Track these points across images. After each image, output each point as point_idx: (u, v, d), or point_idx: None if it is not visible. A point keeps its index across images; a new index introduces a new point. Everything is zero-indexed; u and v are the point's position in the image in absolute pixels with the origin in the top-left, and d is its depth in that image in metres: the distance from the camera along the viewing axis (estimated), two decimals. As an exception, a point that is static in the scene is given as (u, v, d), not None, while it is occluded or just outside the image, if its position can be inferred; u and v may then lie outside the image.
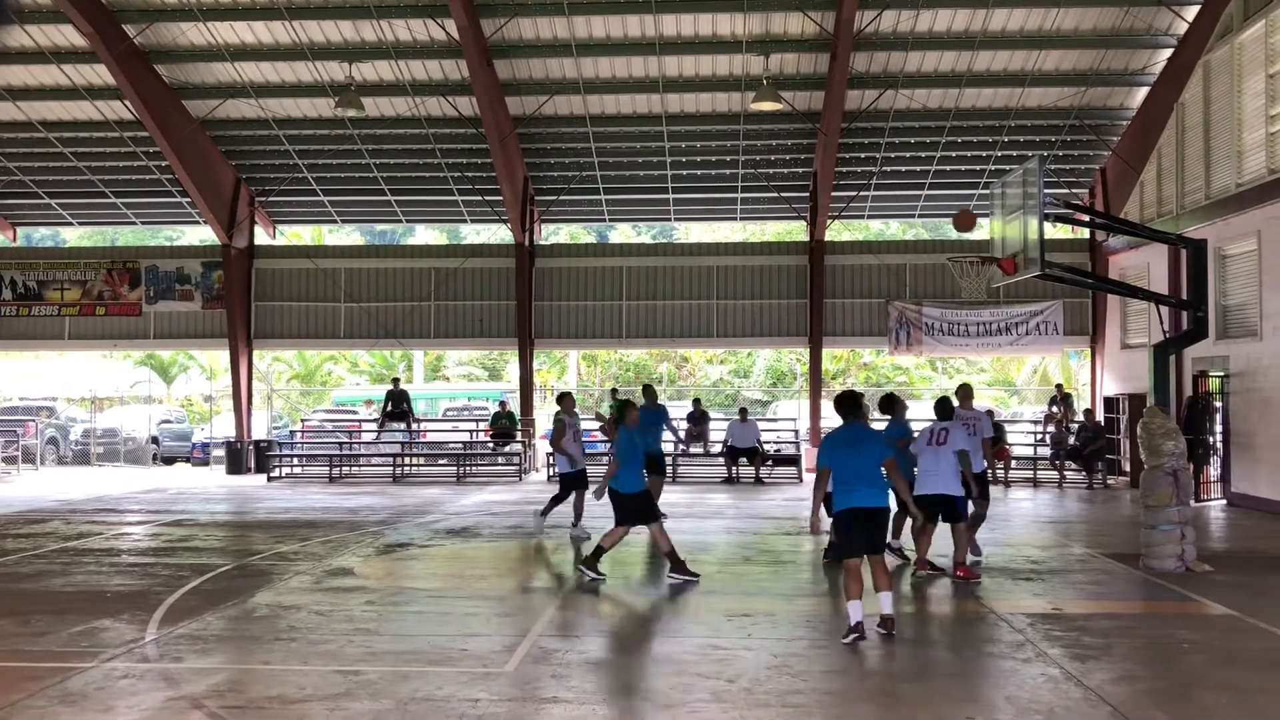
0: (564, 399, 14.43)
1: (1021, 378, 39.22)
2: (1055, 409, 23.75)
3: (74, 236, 35.06)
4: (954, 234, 24.45)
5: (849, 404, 8.73)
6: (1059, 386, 25.39)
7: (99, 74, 22.26)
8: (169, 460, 29.23)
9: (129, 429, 29.78)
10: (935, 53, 21.86)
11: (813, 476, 22.28)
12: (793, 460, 23.45)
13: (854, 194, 25.35)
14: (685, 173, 25.58)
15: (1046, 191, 12.62)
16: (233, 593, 9.91)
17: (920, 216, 28.29)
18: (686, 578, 10.44)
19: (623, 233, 42.08)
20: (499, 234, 28.91)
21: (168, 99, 22.95)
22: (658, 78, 22.62)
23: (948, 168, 24.89)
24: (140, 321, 26.67)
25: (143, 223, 29.61)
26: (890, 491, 8.43)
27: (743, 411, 23.51)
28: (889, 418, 11.95)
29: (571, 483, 13.90)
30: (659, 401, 16.64)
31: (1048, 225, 12.43)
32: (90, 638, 8.08)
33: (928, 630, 8.69)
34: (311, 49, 21.83)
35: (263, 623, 8.75)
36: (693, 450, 23.80)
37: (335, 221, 29.32)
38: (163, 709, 6.31)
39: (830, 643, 7.98)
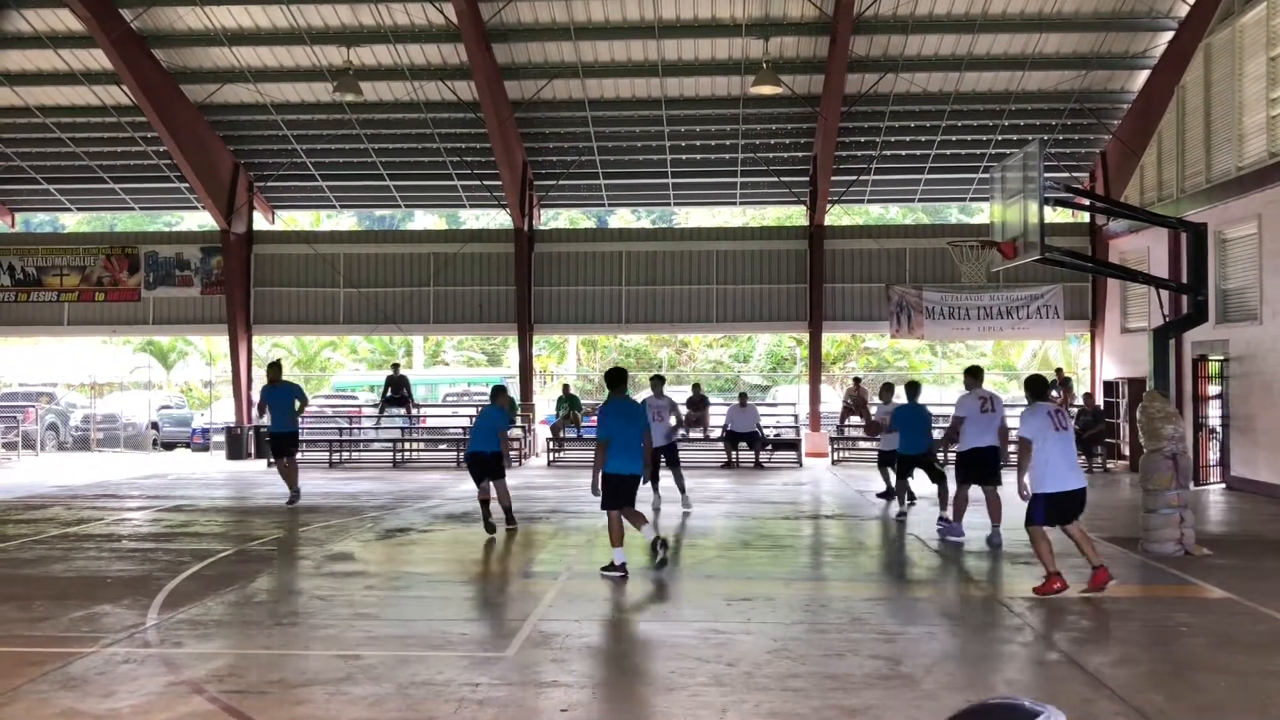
0: (658, 381, 16.25)
1: (1021, 361, 39.21)
2: (1055, 393, 23.77)
3: (72, 222, 35.01)
4: (954, 218, 24.42)
5: (620, 379, 10.36)
6: (1058, 370, 25.38)
7: (96, 59, 22.18)
8: (169, 446, 29.25)
9: (129, 415, 29.79)
10: (935, 36, 21.78)
11: (813, 460, 22.25)
12: (793, 445, 23.46)
13: (854, 178, 25.29)
14: (685, 157, 25.52)
15: (1046, 175, 12.60)
16: (233, 578, 9.92)
17: (920, 201, 28.24)
18: None
19: (622, 217, 42.00)
20: (498, 219, 28.88)
21: (165, 84, 22.87)
22: (656, 61, 22.54)
23: (948, 152, 24.84)
24: (139, 307, 26.65)
25: (141, 208, 29.55)
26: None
27: (742, 396, 23.52)
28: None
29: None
30: (284, 378, 16.62)
31: (1048, 209, 12.42)
32: (91, 623, 8.09)
33: (928, 614, 8.70)
34: (309, 33, 21.74)
35: (263, 607, 8.77)
36: (692, 435, 23.82)
37: (334, 207, 29.27)
38: (163, 694, 6.32)
39: (830, 627, 8.00)
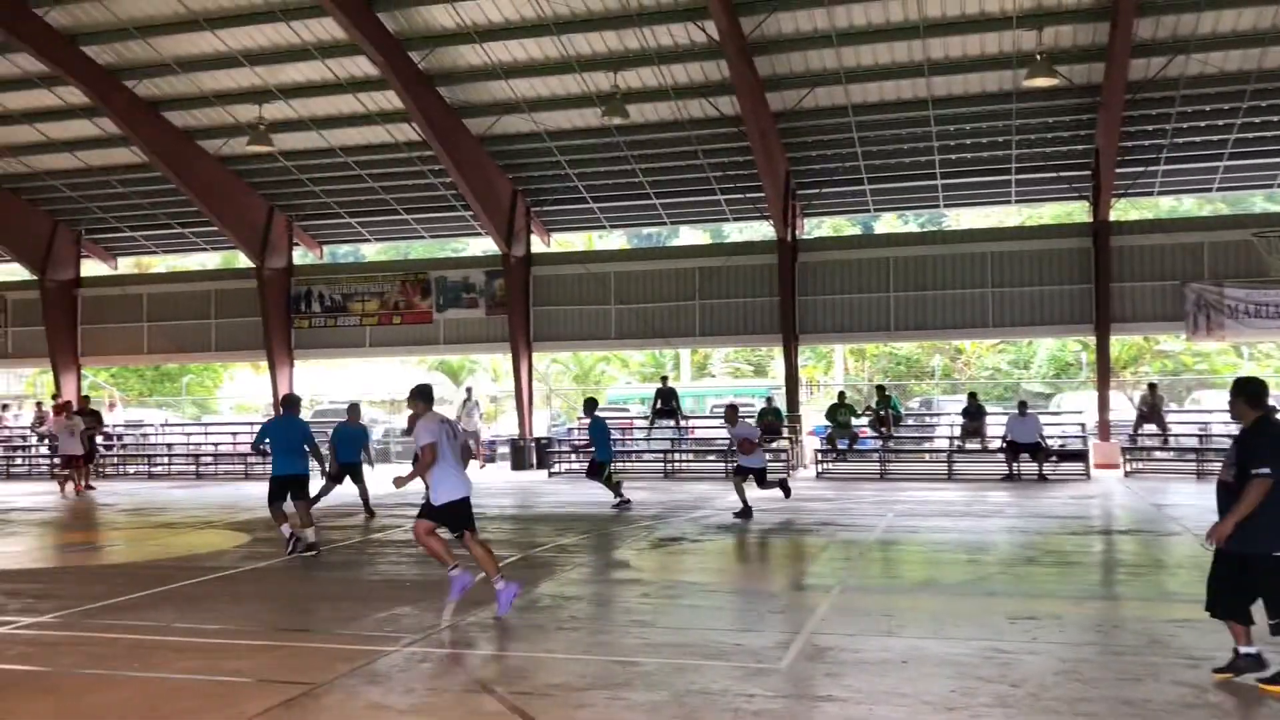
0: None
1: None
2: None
3: (372, 252, 37.93)
4: (1259, 206, 22.34)
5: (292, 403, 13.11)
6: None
7: (389, 100, 24.00)
8: (458, 457, 31.04)
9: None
10: (1231, 11, 20.02)
11: (1102, 472, 20.99)
12: (1079, 456, 22.14)
13: (1141, 170, 23.65)
14: (954, 157, 24.70)
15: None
16: (518, 582, 10.38)
17: (1219, 190, 26.07)
18: None
19: (888, 222, 41.11)
20: (761, 230, 28.98)
21: (450, 119, 24.42)
22: (922, 62, 21.94)
23: (1250, 135, 22.78)
24: (431, 329, 28.58)
25: (431, 236, 31.68)
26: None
27: (1022, 405, 22.41)
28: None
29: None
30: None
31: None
32: (393, 623, 8.69)
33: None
34: (579, 61, 22.62)
35: (546, 612, 9.14)
36: (969, 446, 22.97)
37: (604, 227, 30.29)
38: (458, 693, 6.71)
39: (1126, 649, 7.47)
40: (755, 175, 24.58)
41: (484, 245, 32.89)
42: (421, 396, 9.18)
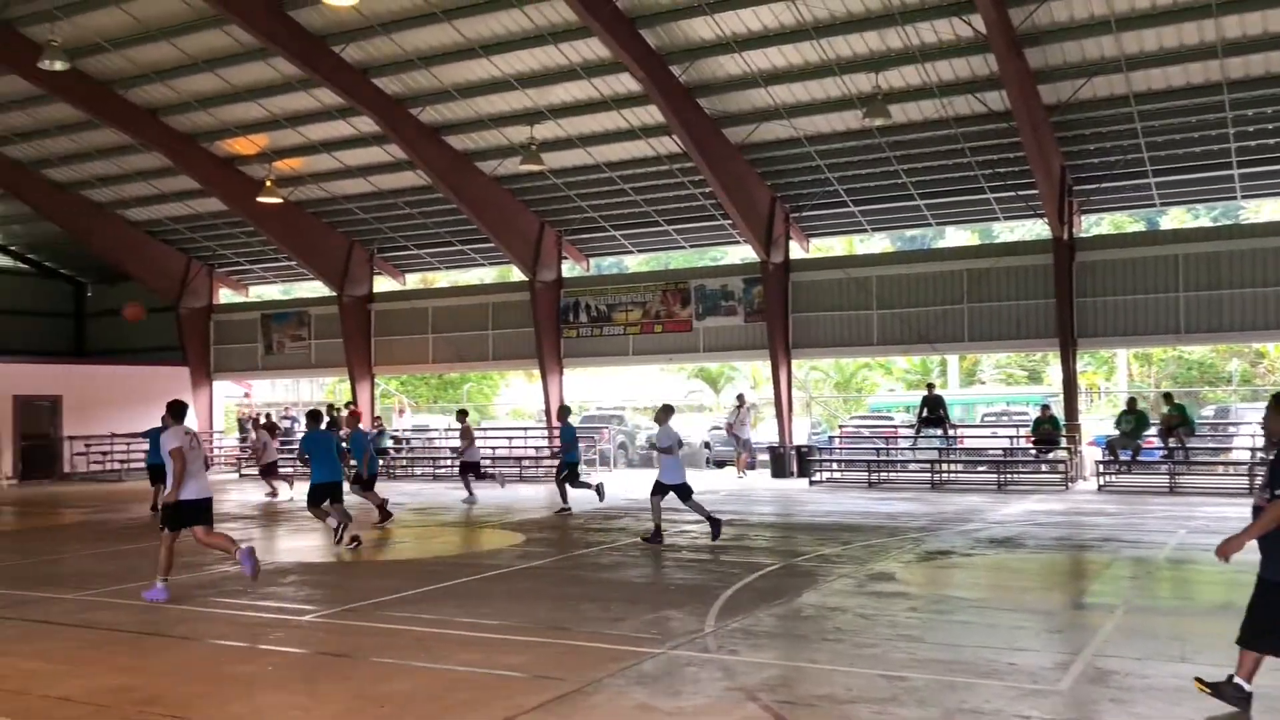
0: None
1: None
2: None
3: (634, 263, 38.90)
4: None
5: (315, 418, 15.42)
6: None
7: (651, 114, 24.56)
8: (720, 464, 31.38)
9: (684, 435, 32.43)
10: None
11: None
12: None
13: None
14: (1253, 144, 22.64)
15: None
16: (780, 591, 10.38)
17: None
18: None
19: (1175, 217, 38.25)
20: (1034, 229, 27.58)
21: (709, 129, 24.70)
22: (1214, 42, 20.25)
23: None
24: (691, 336, 29.01)
25: (691, 246, 32.18)
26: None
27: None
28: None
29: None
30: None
31: None
32: (658, 626, 8.88)
33: None
34: (839, 64, 22.33)
35: (809, 622, 9.08)
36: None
37: (865, 231, 29.75)
38: (721, 698, 6.77)
39: None
40: (1027, 172, 23.47)
41: (742, 253, 33.10)
42: (171, 412, 10.75)
